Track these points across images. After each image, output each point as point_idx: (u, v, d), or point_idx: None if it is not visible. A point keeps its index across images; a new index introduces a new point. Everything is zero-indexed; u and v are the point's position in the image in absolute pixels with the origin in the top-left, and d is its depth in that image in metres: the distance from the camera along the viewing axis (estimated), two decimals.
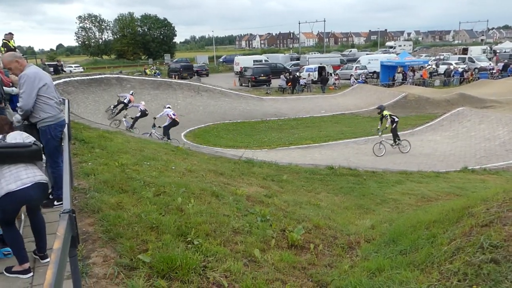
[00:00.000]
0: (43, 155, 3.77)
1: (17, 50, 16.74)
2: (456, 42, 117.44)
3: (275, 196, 6.49)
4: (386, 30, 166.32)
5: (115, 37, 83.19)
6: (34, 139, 3.59)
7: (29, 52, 76.58)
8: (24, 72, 4.46)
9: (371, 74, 39.98)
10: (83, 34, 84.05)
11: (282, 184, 8.00)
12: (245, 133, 22.18)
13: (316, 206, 6.50)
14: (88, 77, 24.47)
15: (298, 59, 53.11)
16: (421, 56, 56.33)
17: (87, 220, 4.21)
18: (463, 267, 3.04)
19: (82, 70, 48.48)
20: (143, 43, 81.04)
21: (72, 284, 2.50)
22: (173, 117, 16.06)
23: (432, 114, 23.31)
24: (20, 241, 3.39)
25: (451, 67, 38.89)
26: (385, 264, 3.71)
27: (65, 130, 4.76)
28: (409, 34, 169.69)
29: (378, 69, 39.11)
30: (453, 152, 15.43)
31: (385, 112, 15.18)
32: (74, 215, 2.32)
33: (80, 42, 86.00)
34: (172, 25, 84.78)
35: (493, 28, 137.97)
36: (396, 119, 15.19)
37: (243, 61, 47.83)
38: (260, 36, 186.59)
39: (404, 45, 76.65)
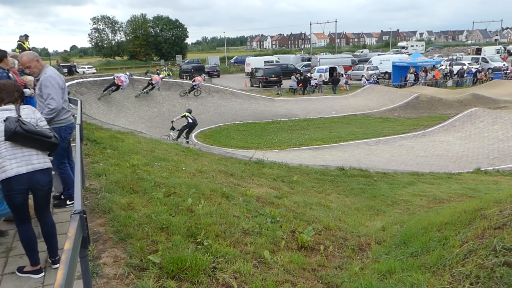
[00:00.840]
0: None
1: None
2: (469, 42, 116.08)
3: (285, 197, 6.46)
4: (398, 30, 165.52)
5: (128, 38, 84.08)
6: (45, 121, 3.61)
7: (43, 53, 77.54)
8: (49, 74, 4.51)
9: (383, 75, 39.64)
10: (96, 35, 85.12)
11: (292, 185, 7.96)
12: (256, 133, 22.18)
13: (326, 208, 6.46)
14: (100, 78, 24.72)
15: (309, 59, 52.96)
16: (434, 56, 55.68)
17: (98, 221, 4.25)
18: (476, 270, 2.99)
19: (95, 71, 48.84)
20: (155, 44, 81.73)
21: (82, 284, 2.52)
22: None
23: (445, 114, 23.02)
24: (34, 242, 3.42)
25: (464, 67, 38.43)
26: (396, 266, 3.66)
27: (76, 131, 4.81)
28: (421, 34, 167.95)
29: (389, 70, 38.71)
30: (466, 153, 15.23)
31: None
32: (85, 215, 2.33)
33: (93, 44, 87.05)
34: (184, 26, 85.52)
35: (507, 28, 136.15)
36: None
37: (254, 62, 47.93)
38: (272, 37, 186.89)
39: (417, 46, 76.07)
